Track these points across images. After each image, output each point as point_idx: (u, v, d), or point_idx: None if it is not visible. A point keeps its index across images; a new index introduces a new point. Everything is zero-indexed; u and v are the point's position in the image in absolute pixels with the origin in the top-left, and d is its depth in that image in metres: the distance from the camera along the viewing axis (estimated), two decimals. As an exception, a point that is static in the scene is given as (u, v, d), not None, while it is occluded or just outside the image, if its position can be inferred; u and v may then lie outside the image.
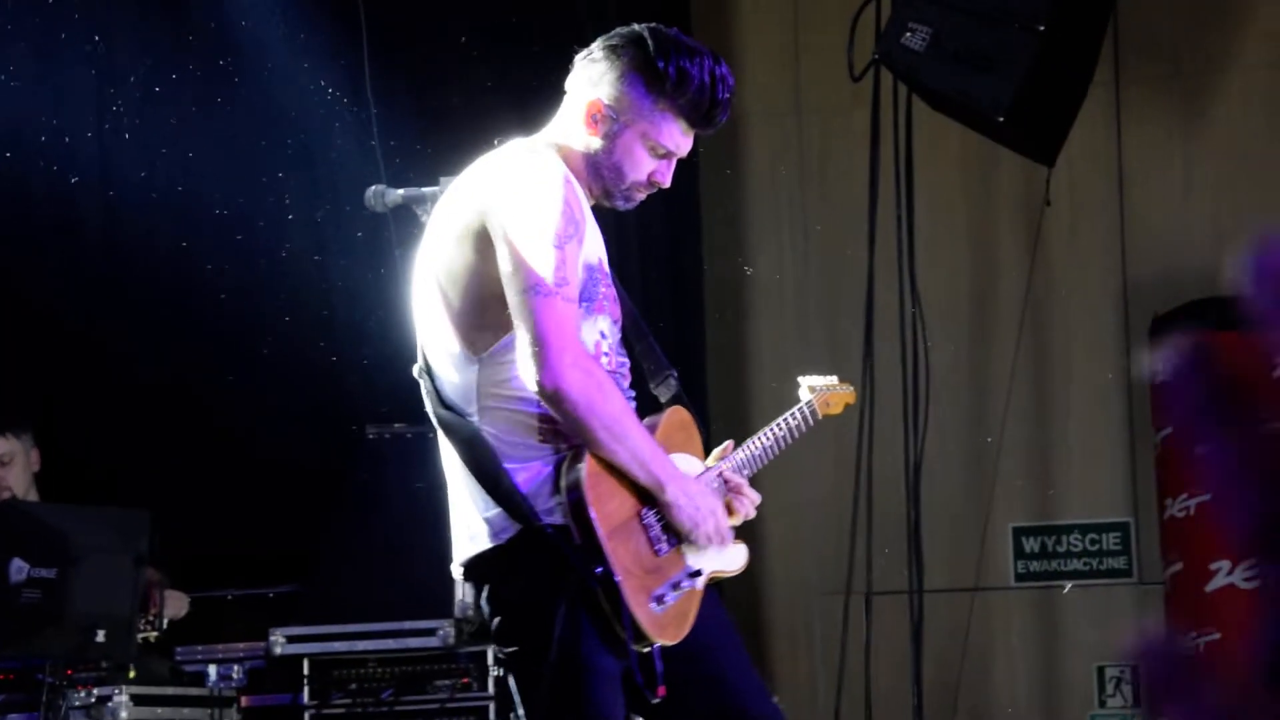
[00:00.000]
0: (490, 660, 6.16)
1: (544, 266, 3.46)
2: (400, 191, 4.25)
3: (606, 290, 3.68)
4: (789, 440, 4.04)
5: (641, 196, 3.79)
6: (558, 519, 3.52)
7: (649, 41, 3.69)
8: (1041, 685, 7.91)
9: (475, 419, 3.58)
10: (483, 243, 3.54)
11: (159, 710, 6.22)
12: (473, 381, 3.58)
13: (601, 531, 3.51)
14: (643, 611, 3.57)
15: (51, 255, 7.41)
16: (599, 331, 3.65)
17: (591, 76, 3.71)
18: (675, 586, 3.68)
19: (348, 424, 6.99)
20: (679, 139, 3.73)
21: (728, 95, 3.73)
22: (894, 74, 6.93)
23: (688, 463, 3.81)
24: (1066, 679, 7.87)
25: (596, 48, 3.74)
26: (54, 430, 7.16)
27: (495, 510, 3.55)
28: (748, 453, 3.94)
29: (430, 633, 6.21)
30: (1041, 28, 6.40)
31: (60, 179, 7.22)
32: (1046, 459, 7.96)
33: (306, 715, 6.26)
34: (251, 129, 7.27)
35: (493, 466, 3.54)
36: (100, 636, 5.93)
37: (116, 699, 6.03)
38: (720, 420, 7.59)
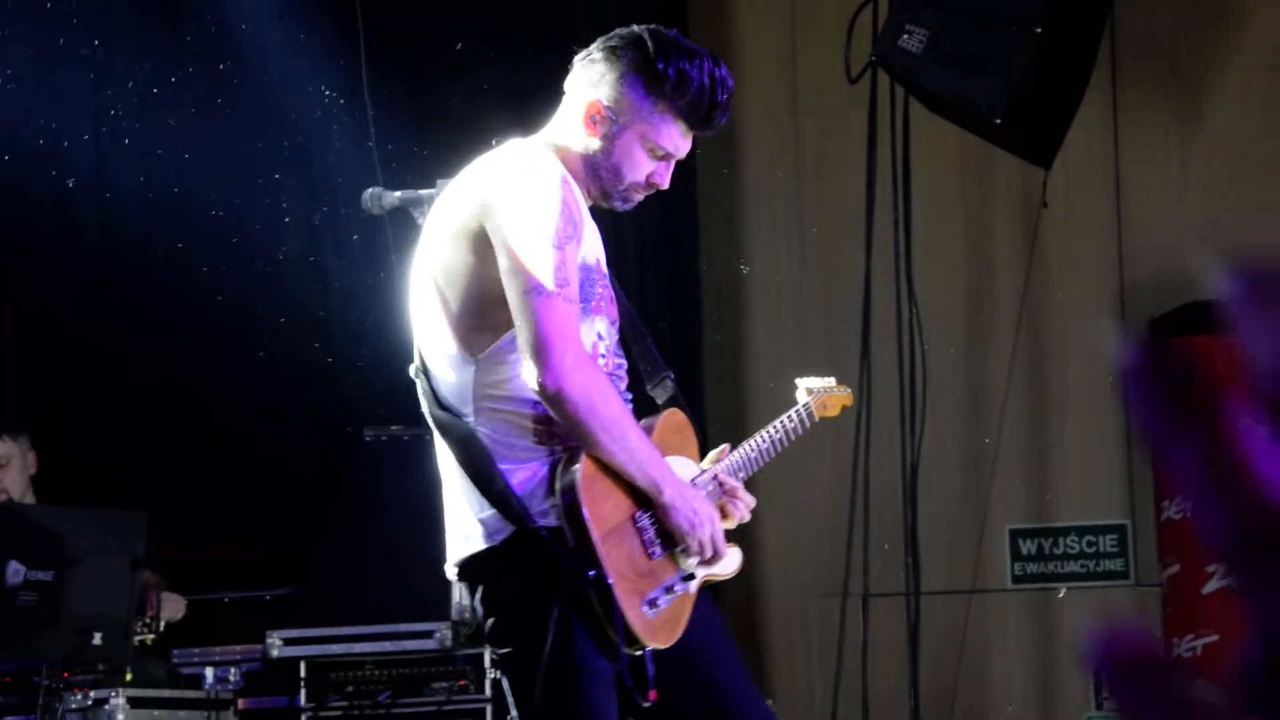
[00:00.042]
0: (487, 662, 6.16)
1: (544, 267, 3.46)
2: (397, 194, 4.25)
3: (604, 291, 3.68)
4: (785, 443, 4.04)
5: (640, 198, 3.79)
6: (552, 521, 3.52)
7: (649, 43, 3.69)
8: (1038, 687, 7.91)
9: (470, 419, 3.57)
10: (481, 243, 3.54)
11: (156, 713, 6.21)
12: (469, 382, 3.58)
13: (595, 534, 3.51)
14: (635, 615, 3.57)
15: (49, 258, 7.41)
16: (596, 333, 3.65)
17: (590, 77, 3.71)
18: (668, 590, 3.67)
19: (345, 426, 6.99)
20: (678, 141, 3.73)
21: (727, 97, 3.73)
22: (891, 76, 6.94)
23: (683, 465, 3.80)
24: (1063, 681, 7.87)
25: (596, 49, 3.74)
26: (51, 432, 7.16)
27: (490, 511, 3.55)
28: (744, 455, 3.94)
29: (427, 635, 6.21)
30: (1038, 30, 6.40)
31: (58, 182, 7.22)
32: (1043, 461, 7.96)
33: (303, 718, 6.26)
34: (248, 131, 7.27)
35: (487, 467, 3.54)
36: (97, 639, 5.92)
37: (113, 701, 6.02)
38: (717, 421, 7.59)
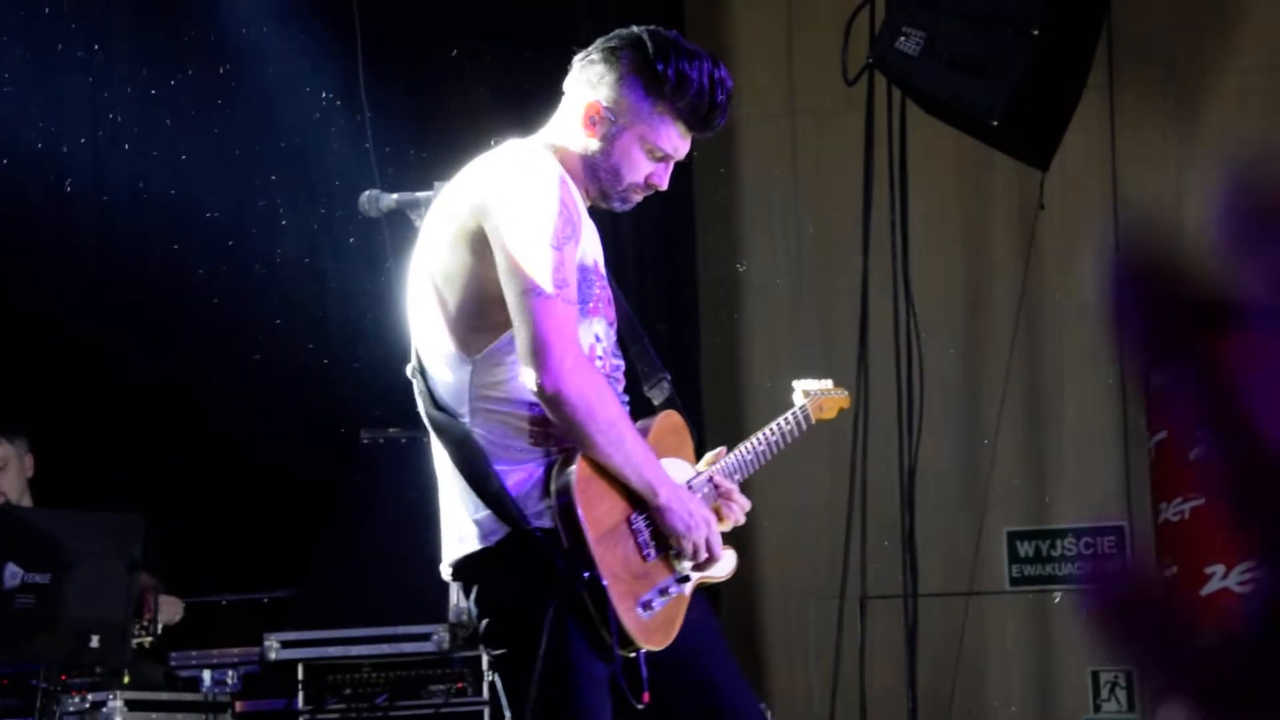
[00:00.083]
0: (485, 665, 6.16)
1: (542, 268, 3.45)
2: (394, 196, 4.25)
3: (601, 292, 3.68)
4: (782, 445, 4.04)
5: (638, 198, 3.79)
6: (547, 522, 3.52)
7: (648, 44, 3.69)
8: (1036, 689, 7.90)
9: (467, 420, 3.57)
10: (479, 244, 3.53)
11: (153, 715, 6.21)
12: (465, 382, 3.57)
13: (590, 536, 3.50)
14: (630, 617, 3.56)
15: (47, 260, 7.41)
16: (594, 334, 3.64)
17: (590, 78, 3.71)
18: (663, 592, 3.67)
19: (342, 429, 6.99)
20: (677, 142, 3.73)
21: (726, 98, 3.73)
22: (888, 78, 6.94)
23: (679, 467, 3.80)
24: (1061, 683, 7.86)
25: (595, 49, 3.74)
26: (49, 435, 7.15)
27: (485, 512, 3.55)
28: (740, 458, 3.93)
29: (425, 638, 6.21)
30: (1035, 32, 6.40)
31: (56, 184, 7.22)
32: (1041, 463, 7.95)
33: (301, 720, 6.26)
34: (246, 134, 7.27)
35: (483, 468, 3.54)
36: (94, 642, 5.92)
37: (111, 704, 6.02)
38: (714, 421, 7.59)
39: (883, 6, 6.89)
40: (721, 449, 3.95)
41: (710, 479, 3.84)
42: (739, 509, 3.85)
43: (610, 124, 3.68)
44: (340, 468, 6.87)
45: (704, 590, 3.84)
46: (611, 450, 3.53)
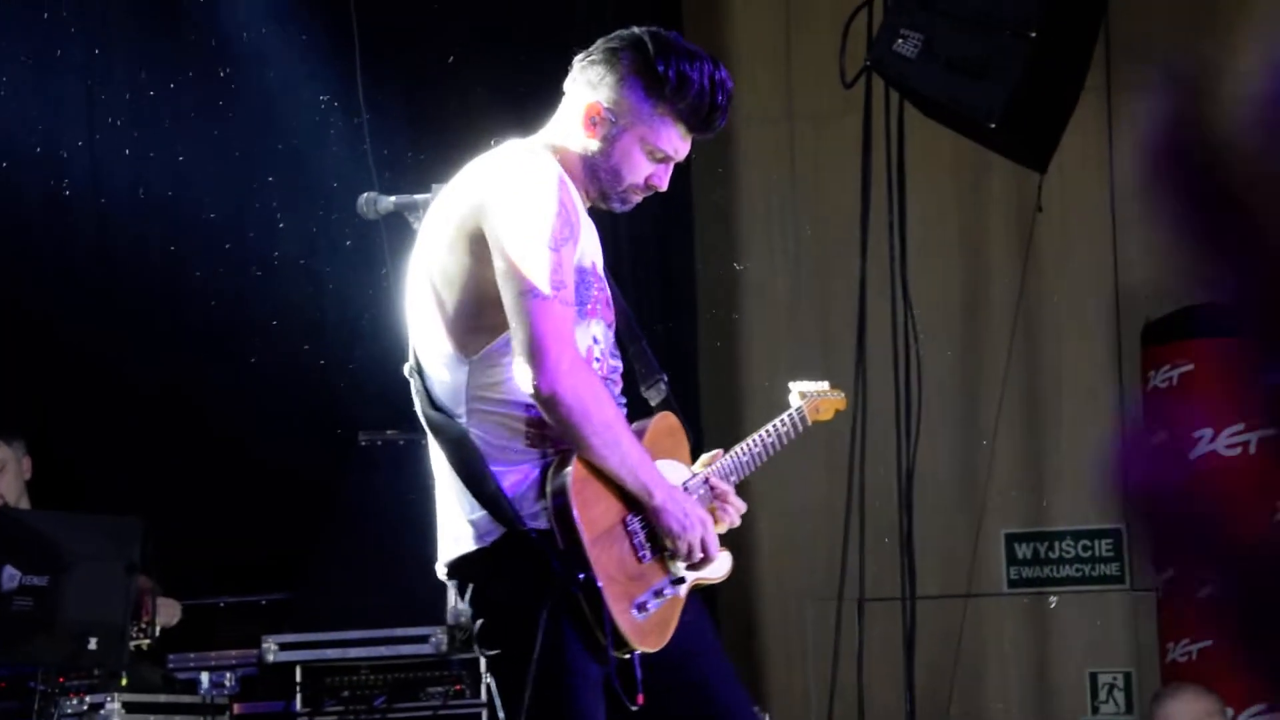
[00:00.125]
0: (483, 667, 6.15)
1: (539, 270, 3.45)
2: (392, 198, 4.25)
3: (600, 294, 3.68)
4: (778, 446, 4.04)
5: (638, 199, 3.79)
6: (542, 523, 3.52)
7: (649, 45, 3.69)
8: (1034, 691, 7.91)
9: (463, 420, 3.57)
10: (478, 245, 3.53)
11: (151, 718, 6.20)
12: (462, 383, 3.57)
13: (585, 537, 3.50)
14: (624, 618, 3.56)
15: (45, 263, 7.41)
16: (592, 336, 3.64)
17: (591, 79, 3.71)
18: (658, 594, 3.67)
19: (340, 431, 6.99)
20: (677, 143, 3.73)
21: (726, 100, 3.73)
22: (886, 80, 6.94)
23: (674, 469, 3.80)
24: (1059, 685, 7.87)
25: (596, 50, 3.74)
26: (46, 437, 7.15)
27: (480, 513, 3.55)
28: (735, 459, 3.93)
29: (423, 640, 6.21)
30: (1033, 34, 6.40)
31: (54, 187, 7.22)
32: (1039, 465, 7.96)
33: (298, 722, 6.26)
34: (243, 136, 7.27)
35: (479, 469, 3.54)
36: (92, 644, 5.92)
37: (109, 706, 6.02)
38: (712, 421, 7.60)
39: (881, 9, 6.89)
40: (718, 451, 3.95)
41: (706, 480, 3.84)
42: (734, 511, 3.85)
43: (611, 125, 3.69)
44: (338, 470, 6.87)
45: (699, 592, 3.84)
46: (607, 452, 3.53)
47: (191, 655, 6.58)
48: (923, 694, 7.18)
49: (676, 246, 8.00)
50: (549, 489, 3.52)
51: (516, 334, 3.46)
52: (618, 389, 3.73)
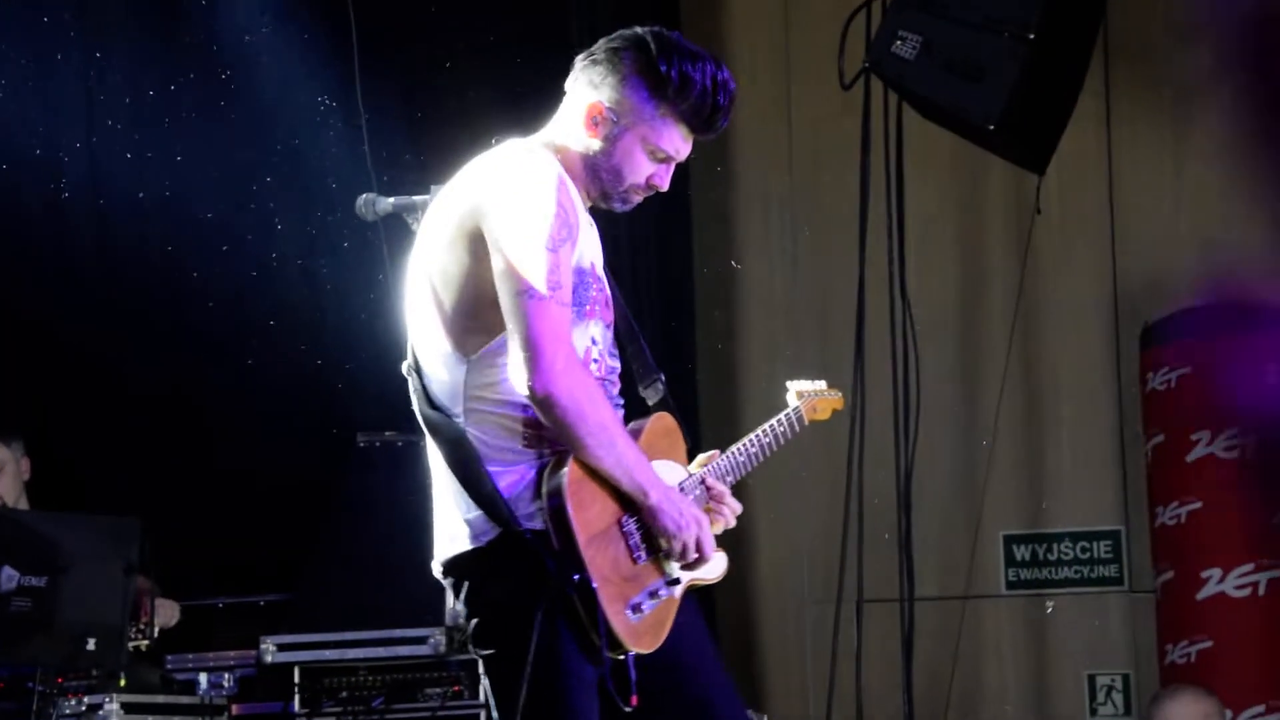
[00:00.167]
0: (481, 668, 6.15)
1: (536, 270, 3.45)
2: (391, 200, 4.25)
3: (599, 294, 3.67)
4: (775, 447, 4.03)
5: (639, 199, 3.79)
6: (538, 524, 3.52)
7: (651, 45, 3.68)
8: (1032, 693, 7.91)
9: (460, 419, 3.57)
10: (477, 245, 3.53)
11: (150, 718, 6.21)
12: (460, 382, 3.57)
13: (581, 538, 3.50)
14: (619, 619, 3.56)
15: (43, 265, 7.41)
16: (590, 338, 3.64)
17: (593, 79, 3.71)
18: (653, 595, 3.67)
19: (338, 432, 6.99)
20: (679, 143, 3.72)
21: (729, 101, 3.72)
22: (884, 82, 6.94)
23: (670, 469, 3.79)
24: (1057, 686, 7.87)
25: (598, 50, 3.73)
26: (45, 438, 7.15)
27: (476, 513, 3.55)
28: (732, 460, 3.93)
29: (421, 640, 6.21)
30: (1032, 36, 6.41)
31: (53, 189, 7.22)
32: (1037, 467, 7.96)
33: (297, 723, 6.26)
34: (242, 138, 7.27)
35: (476, 469, 3.54)
36: (91, 645, 5.92)
37: (107, 707, 6.02)
38: (710, 421, 7.60)
39: (879, 10, 6.89)
40: (714, 451, 3.94)
41: (702, 481, 3.84)
42: (730, 511, 3.85)
43: (612, 125, 3.68)
44: (336, 471, 6.87)
45: (695, 593, 3.84)
46: (602, 453, 3.53)
47: (190, 656, 6.58)
48: (921, 695, 7.18)
49: (675, 246, 8.00)
50: (544, 490, 3.51)
51: (513, 334, 3.46)
52: (616, 389, 3.73)
